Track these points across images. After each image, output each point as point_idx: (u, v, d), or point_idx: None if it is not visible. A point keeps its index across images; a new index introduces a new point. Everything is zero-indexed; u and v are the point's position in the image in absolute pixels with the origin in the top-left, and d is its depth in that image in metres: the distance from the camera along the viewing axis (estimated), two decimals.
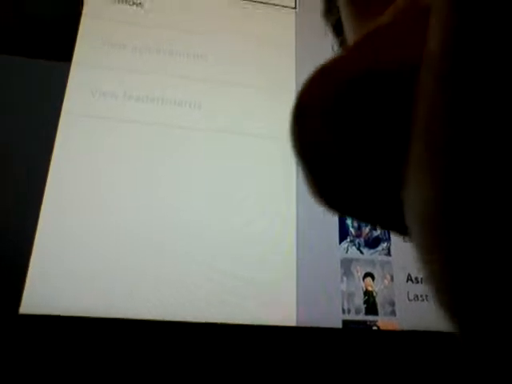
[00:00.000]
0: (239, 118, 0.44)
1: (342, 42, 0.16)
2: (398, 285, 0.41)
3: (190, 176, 0.41)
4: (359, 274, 0.41)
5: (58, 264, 0.36)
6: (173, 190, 0.40)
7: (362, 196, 0.11)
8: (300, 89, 0.11)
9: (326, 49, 0.49)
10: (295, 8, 0.50)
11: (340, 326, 0.39)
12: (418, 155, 0.08)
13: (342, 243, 0.41)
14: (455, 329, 0.07)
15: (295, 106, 0.11)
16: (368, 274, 0.41)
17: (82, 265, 0.36)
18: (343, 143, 0.10)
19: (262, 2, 0.50)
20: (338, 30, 0.15)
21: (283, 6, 0.50)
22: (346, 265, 0.41)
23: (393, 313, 0.40)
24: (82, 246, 0.37)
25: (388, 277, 0.41)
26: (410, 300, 0.41)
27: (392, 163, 0.09)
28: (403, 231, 0.09)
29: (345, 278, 0.40)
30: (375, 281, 0.41)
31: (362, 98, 0.10)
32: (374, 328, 0.39)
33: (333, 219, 0.42)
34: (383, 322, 0.40)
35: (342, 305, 0.39)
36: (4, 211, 0.36)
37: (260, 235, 0.40)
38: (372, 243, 0.42)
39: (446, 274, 0.07)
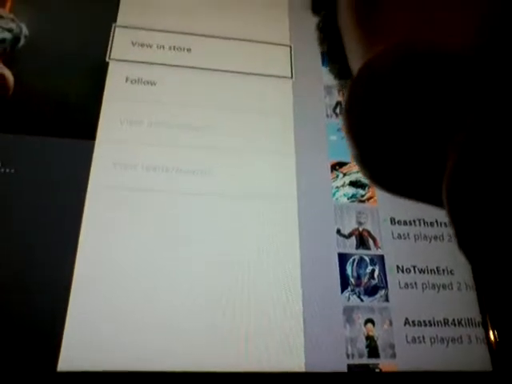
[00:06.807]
0: (248, 182, 0.49)
1: (338, 69, 0.16)
2: (397, 328, 0.45)
3: (205, 239, 0.45)
4: (360, 320, 0.45)
5: (93, 322, 0.40)
6: (191, 254, 0.45)
7: (405, 169, 0.11)
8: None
9: (322, 112, 0.55)
10: (291, 77, 0.56)
11: (345, 369, 0.42)
12: None
13: (344, 292, 0.45)
14: None
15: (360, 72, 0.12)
16: (368, 320, 0.45)
17: (116, 323, 0.41)
18: (391, 116, 0.11)
19: (260, 75, 0.56)
20: (331, 56, 0.16)
21: (280, 77, 0.56)
22: (348, 312, 0.45)
23: (393, 355, 0.44)
24: (115, 305, 0.41)
25: (387, 321, 0.45)
26: (408, 342, 0.45)
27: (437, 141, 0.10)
28: (436, 203, 0.11)
29: (347, 325, 0.44)
30: (375, 326, 0.45)
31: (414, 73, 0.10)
32: (377, 370, 0.43)
33: (334, 271, 0.46)
34: (384, 364, 0.43)
35: (346, 350, 0.43)
36: (40, 270, 0.41)
37: (269, 291, 0.44)
38: (371, 291, 0.46)
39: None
